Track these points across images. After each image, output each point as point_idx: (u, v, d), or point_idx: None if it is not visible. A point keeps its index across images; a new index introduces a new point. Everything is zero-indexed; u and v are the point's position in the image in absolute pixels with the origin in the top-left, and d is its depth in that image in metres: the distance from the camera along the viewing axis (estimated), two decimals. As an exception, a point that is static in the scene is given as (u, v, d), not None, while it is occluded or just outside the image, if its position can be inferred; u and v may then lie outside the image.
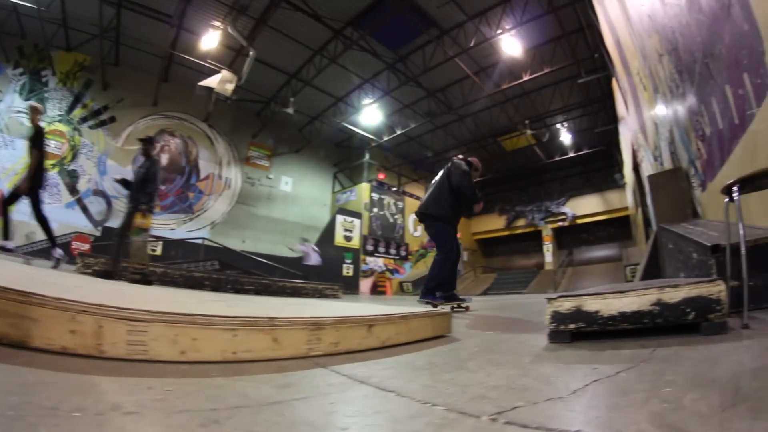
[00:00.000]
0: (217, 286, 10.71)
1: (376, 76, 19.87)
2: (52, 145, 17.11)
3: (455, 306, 6.34)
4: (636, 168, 14.66)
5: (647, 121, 10.61)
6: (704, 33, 4.71)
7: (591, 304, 2.71)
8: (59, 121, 17.84)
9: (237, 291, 11.00)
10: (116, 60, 18.96)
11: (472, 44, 16.15)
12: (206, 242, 17.08)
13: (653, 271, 6.96)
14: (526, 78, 17.78)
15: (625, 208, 25.70)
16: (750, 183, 2.95)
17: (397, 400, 1.51)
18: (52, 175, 17.02)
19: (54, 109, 17.81)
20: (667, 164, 8.65)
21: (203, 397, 1.47)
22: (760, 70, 3.43)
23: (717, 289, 2.36)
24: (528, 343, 2.94)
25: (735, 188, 2.90)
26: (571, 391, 1.51)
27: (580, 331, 2.76)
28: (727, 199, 3.03)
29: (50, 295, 1.91)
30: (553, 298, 2.88)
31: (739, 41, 3.77)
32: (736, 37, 3.85)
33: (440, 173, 6.99)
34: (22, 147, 15.34)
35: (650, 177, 8.93)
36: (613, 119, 20.84)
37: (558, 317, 2.81)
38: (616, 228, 28.85)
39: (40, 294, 1.89)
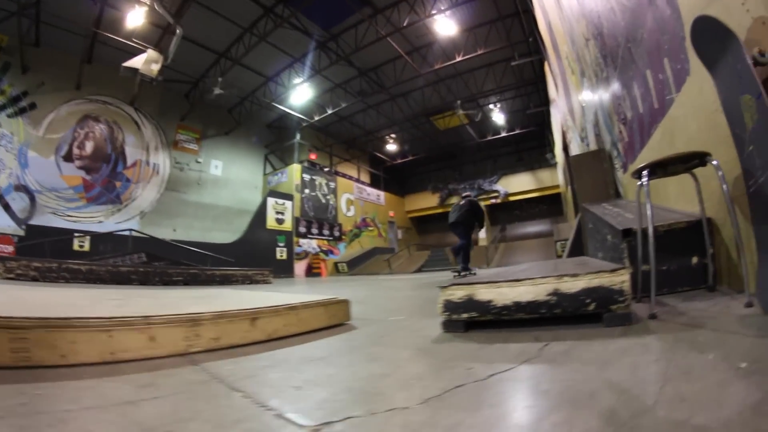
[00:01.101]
0: (144, 280, 10.66)
1: (307, 55, 19.45)
2: None
3: (469, 273, 10.43)
4: (566, 148, 14.88)
5: (575, 103, 10.79)
6: (627, 18, 4.71)
7: (484, 293, 2.63)
8: None
9: (165, 283, 10.94)
10: (36, 40, 17.19)
11: (405, 23, 16.00)
12: (134, 234, 16.08)
13: (578, 248, 7.08)
14: (459, 59, 17.84)
15: (556, 186, 26.52)
16: (662, 168, 2.92)
17: (237, 402, 1.49)
18: None
19: None
20: (593, 146, 8.77)
21: (65, 399, 1.51)
22: (680, 55, 3.41)
23: (619, 279, 2.28)
24: (423, 333, 2.86)
25: (644, 173, 2.85)
26: (422, 400, 1.41)
27: (475, 321, 2.68)
28: (639, 183, 2.97)
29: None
30: (445, 286, 2.80)
31: (661, 26, 3.74)
32: (658, 22, 3.82)
33: (464, 202, 11.21)
34: None
35: (573, 158, 9.18)
36: (545, 101, 21.34)
37: (450, 306, 2.73)
38: (547, 204, 29.95)
39: None
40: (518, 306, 2.51)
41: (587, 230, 6.11)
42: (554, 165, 25.96)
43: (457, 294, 2.71)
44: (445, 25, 16.18)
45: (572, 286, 2.38)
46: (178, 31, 13.49)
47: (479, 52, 17.39)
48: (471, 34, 17.34)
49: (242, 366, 2.05)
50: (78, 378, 1.79)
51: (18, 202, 16.48)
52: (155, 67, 13.65)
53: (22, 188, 16.66)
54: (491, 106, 24.36)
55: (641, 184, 2.90)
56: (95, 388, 1.66)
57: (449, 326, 2.74)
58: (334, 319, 3.43)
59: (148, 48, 13.90)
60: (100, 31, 15.95)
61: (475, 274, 10.01)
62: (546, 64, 16.35)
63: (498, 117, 25.08)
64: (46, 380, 1.73)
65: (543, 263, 5.95)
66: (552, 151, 24.90)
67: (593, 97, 7.96)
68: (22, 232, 15.93)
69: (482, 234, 30.61)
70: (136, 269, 11.04)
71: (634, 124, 5.37)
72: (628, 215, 4.20)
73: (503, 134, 27.98)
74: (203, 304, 3.35)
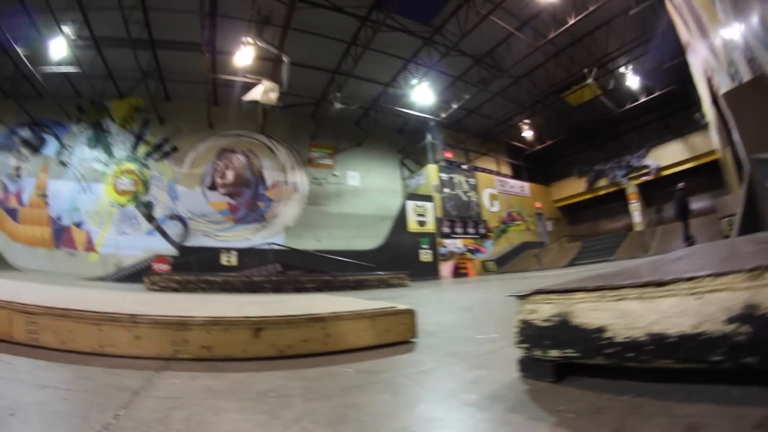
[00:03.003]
0: (277, 288, 11.11)
1: (417, 53, 18.57)
2: (124, 183, 18.99)
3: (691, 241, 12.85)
4: (715, 100, 12.17)
5: (712, 33, 8.49)
6: None
7: (588, 314, 1.32)
8: (127, 160, 19.42)
9: (298, 290, 11.27)
10: (166, 96, 19.88)
11: (503, -4, 14.30)
12: (274, 246, 17.22)
13: (753, 222, 4.93)
14: (572, 21, 15.44)
15: (713, 152, 22.22)
16: None
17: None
18: (130, 208, 18.70)
19: (120, 151, 19.56)
20: (747, 78, 6.55)
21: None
22: None
23: None
24: (491, 371, 1.76)
25: None
26: None
27: (572, 363, 1.38)
28: None
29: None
30: (525, 296, 1.54)
31: None
32: None
33: (678, 197, 14.61)
34: (98, 191, 18.75)
35: (726, 95, 6.79)
36: (680, 50, 18.03)
37: (530, 333, 1.47)
38: (705, 176, 24.80)
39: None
40: (659, 343, 1.17)
41: (764, 193, 4.12)
42: (705, 126, 21.52)
43: (543, 311, 1.46)
44: (544, -13, 14.29)
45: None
46: (285, 59, 14.68)
47: (591, 9, 14.85)
48: (577, -8, 15.20)
49: (193, 385, 1.70)
50: (47, 359, 1.98)
51: (173, 229, 19.34)
52: (273, 96, 14.92)
53: (175, 217, 19.40)
54: (622, 69, 21.01)
55: None
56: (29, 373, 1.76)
57: (531, 368, 1.52)
58: (388, 336, 2.57)
59: (262, 80, 15.09)
60: (218, 76, 17.28)
61: (694, 241, 13.51)
62: (666, 0, 13.62)
63: (632, 81, 21.47)
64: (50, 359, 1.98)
65: (705, 247, 4.08)
66: (700, 109, 20.86)
67: (732, 10, 5.86)
68: (176, 252, 18.17)
69: (637, 218, 27.17)
70: (269, 278, 11.68)
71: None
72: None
73: (642, 99, 23.89)
74: (260, 309, 2.95)
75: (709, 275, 1.10)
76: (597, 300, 1.32)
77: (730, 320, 1.03)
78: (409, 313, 2.71)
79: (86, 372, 1.79)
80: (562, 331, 1.39)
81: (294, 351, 2.24)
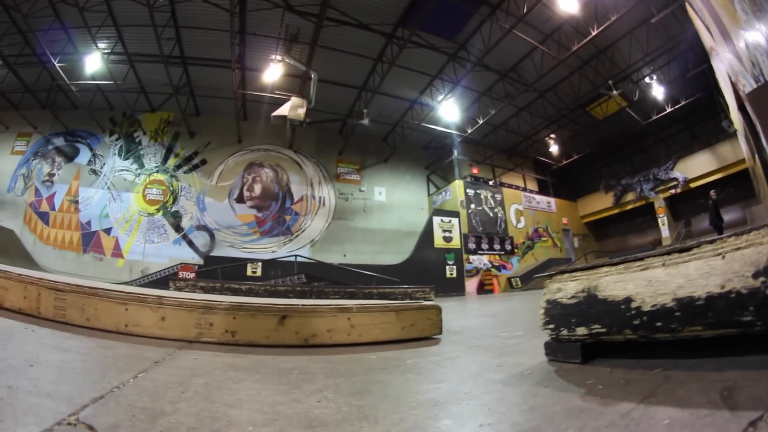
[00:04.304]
0: (302, 297, 10.84)
1: (442, 69, 18.63)
2: (154, 193, 19.67)
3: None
4: (742, 106, 11.83)
5: (734, 35, 8.30)
6: None
7: (614, 286, 1.29)
8: (157, 171, 20.18)
9: None
10: (196, 110, 20.86)
11: (525, 11, 14.04)
12: (300, 259, 17.05)
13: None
14: (594, 33, 15.23)
15: (742, 161, 21.58)
16: None
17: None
18: (158, 218, 19.72)
19: (150, 162, 20.31)
20: (771, 76, 6.32)
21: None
22: None
23: None
24: (514, 361, 1.75)
25: None
26: None
27: (601, 342, 1.35)
28: None
29: (16, 272, 2.49)
30: (551, 275, 1.64)
31: None
32: None
33: (711, 205, 15.04)
34: (128, 200, 19.68)
35: (750, 95, 6.61)
36: (704, 57, 17.67)
37: (557, 313, 1.45)
38: (734, 186, 23.84)
39: (7, 271, 2.47)
40: (687, 307, 1.12)
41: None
42: (733, 133, 20.82)
43: (568, 288, 1.45)
44: (565, 2, 14.16)
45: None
46: (313, 76, 14.78)
47: (613, 19, 14.61)
48: (598, 2, 14.84)
49: (215, 361, 1.73)
50: (70, 331, 2.11)
51: (199, 239, 19.88)
52: (301, 112, 14.85)
53: (202, 227, 19.93)
54: (647, 79, 20.53)
55: None
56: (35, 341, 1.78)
57: (558, 351, 1.49)
58: (413, 331, 2.56)
59: (291, 96, 15.13)
60: (247, 92, 18.03)
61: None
62: (687, 6, 13.36)
63: (657, 91, 20.94)
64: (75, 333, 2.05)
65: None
66: (728, 117, 20.28)
67: (751, 8, 5.74)
68: (201, 262, 18.94)
69: (665, 233, 26.42)
70: (293, 288, 11.64)
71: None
72: None
73: (668, 110, 23.19)
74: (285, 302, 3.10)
75: (731, 235, 1.08)
76: (622, 272, 1.31)
77: (757, 274, 0.99)
78: (435, 309, 2.70)
79: (109, 344, 1.85)
80: (589, 306, 1.35)
81: (318, 341, 2.23)
